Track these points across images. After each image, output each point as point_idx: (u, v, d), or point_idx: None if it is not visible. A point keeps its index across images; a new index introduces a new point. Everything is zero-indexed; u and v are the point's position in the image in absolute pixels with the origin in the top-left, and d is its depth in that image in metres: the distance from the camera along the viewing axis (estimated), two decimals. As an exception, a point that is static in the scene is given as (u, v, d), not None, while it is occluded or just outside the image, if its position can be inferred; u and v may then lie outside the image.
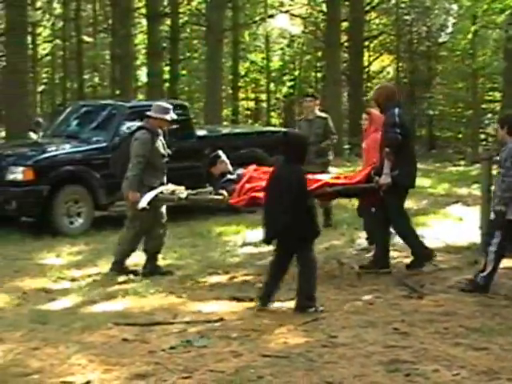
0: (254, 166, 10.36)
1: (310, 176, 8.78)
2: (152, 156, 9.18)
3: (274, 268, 7.88)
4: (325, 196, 9.78)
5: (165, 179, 9.44)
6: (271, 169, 9.70)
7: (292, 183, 7.48)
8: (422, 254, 9.41)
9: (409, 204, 14.87)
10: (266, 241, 7.83)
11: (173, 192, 9.43)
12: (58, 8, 41.65)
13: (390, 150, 8.94)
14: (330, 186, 9.35)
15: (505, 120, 8.34)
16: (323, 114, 12.74)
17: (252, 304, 7.94)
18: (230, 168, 10.62)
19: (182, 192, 9.48)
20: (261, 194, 9.34)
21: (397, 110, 9.18)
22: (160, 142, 9.38)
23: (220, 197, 9.64)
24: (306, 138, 8.17)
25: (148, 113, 9.46)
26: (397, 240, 9.84)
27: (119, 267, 9.38)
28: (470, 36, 29.69)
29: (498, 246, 8.07)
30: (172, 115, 9.54)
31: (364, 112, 10.98)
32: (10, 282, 9.03)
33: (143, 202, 9.01)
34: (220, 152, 10.79)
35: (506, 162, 7.94)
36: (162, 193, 9.26)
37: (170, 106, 9.61)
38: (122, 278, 9.09)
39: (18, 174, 11.93)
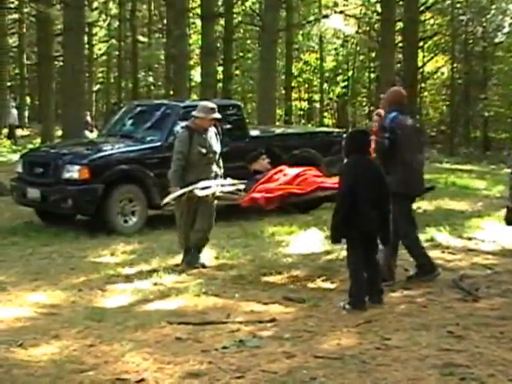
0: (282, 167, 10.41)
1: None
2: (189, 153, 9.59)
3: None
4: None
5: (206, 175, 9.72)
6: (296, 170, 9.82)
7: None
8: (425, 265, 8.88)
9: (463, 206, 14.85)
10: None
11: (203, 188, 9.60)
12: (113, 8, 42.14)
13: (377, 154, 8.73)
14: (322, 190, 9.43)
15: None
16: None
17: (304, 305, 7.93)
18: (268, 167, 10.65)
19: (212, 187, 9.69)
20: (259, 195, 9.42)
21: (393, 115, 8.87)
22: (201, 140, 9.63)
23: (235, 196, 9.75)
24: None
25: (193, 112, 9.84)
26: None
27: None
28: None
29: None
30: (215, 115, 9.77)
31: (375, 114, 11.03)
32: (66, 279, 9.14)
33: (167, 199, 9.79)
34: (263, 150, 10.75)
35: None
36: (191, 191, 9.51)
37: (214, 106, 9.85)
38: (176, 277, 9.14)
39: (74, 172, 12.07)
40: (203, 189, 9.56)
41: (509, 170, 9.01)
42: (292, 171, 10.57)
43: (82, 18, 22.32)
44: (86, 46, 31.99)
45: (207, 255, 10.29)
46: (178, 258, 10.18)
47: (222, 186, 9.77)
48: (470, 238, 11.47)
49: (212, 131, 9.88)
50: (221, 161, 10.14)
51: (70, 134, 20.41)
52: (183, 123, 13.16)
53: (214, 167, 9.92)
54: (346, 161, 8.06)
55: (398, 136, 8.57)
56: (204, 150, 9.67)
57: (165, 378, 5.73)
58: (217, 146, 9.92)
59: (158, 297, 8.32)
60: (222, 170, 10.13)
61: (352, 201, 7.66)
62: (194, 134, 9.65)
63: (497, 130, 40.70)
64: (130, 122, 14.44)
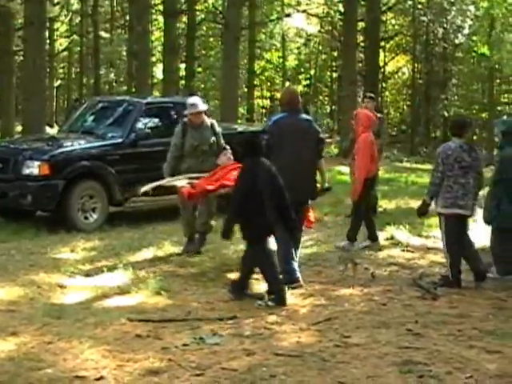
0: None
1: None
2: (184, 146, 10.39)
3: None
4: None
5: (199, 165, 10.28)
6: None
7: None
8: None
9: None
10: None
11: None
12: (75, 3, 41.80)
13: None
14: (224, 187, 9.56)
15: (449, 123, 9.18)
16: (379, 115, 13.19)
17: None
18: (231, 162, 10.66)
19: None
20: (185, 189, 9.63)
21: (277, 116, 9.01)
22: (195, 134, 10.39)
23: (180, 183, 9.88)
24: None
25: (186, 111, 10.68)
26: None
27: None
28: (486, 38, 29.62)
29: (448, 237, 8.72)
30: (195, 109, 10.44)
31: (354, 113, 11.32)
32: (25, 275, 9.05)
33: (145, 187, 10.49)
34: (228, 146, 10.78)
35: (438, 159, 8.67)
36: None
37: (194, 102, 10.58)
38: (136, 275, 9.11)
39: (33, 168, 11.95)
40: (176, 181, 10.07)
41: None
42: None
43: (44, 12, 22.12)
44: (47, 41, 31.69)
45: (167, 253, 10.30)
46: (139, 255, 10.17)
47: (191, 178, 9.89)
48: (429, 237, 11.58)
49: (207, 126, 10.54)
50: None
51: (31, 129, 20.22)
52: (145, 120, 13.28)
53: (211, 158, 10.40)
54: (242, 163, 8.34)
55: (274, 137, 8.55)
56: (196, 143, 10.34)
57: (124, 376, 5.71)
58: (210, 140, 10.49)
59: (118, 294, 8.27)
60: None
61: (245, 201, 7.88)
62: (189, 129, 10.42)
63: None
64: (92, 118, 14.34)
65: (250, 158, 8.13)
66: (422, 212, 9.00)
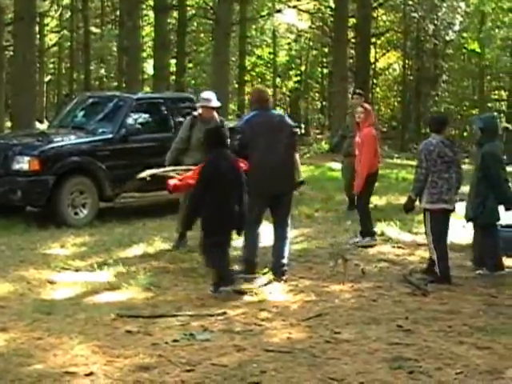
0: None
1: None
2: (190, 139, 10.37)
3: None
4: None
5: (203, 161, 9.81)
6: None
7: None
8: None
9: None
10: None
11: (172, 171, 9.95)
12: (65, -2, 41.66)
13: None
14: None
15: (428, 119, 8.86)
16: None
17: (255, 298, 7.95)
18: None
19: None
20: (172, 181, 9.41)
21: (248, 115, 9.25)
22: (203, 128, 9.66)
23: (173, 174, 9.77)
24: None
25: (198, 104, 10.69)
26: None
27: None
28: (477, 34, 29.66)
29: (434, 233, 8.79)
30: (205, 103, 10.41)
31: (360, 106, 11.31)
32: (15, 271, 9.02)
33: (143, 174, 10.18)
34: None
35: (421, 155, 8.79)
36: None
37: (207, 97, 10.47)
38: (126, 270, 9.09)
39: (23, 163, 11.91)
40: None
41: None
42: None
43: (34, 7, 22.03)
44: (38, 36, 31.53)
45: (157, 249, 10.29)
46: (129, 251, 10.15)
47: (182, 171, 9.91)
48: (419, 233, 11.57)
49: (216, 122, 10.28)
50: None
51: (21, 124, 20.14)
52: (135, 115, 13.26)
53: None
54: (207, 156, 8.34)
55: (246, 136, 8.78)
56: (202, 137, 9.70)
57: (114, 372, 5.70)
58: None
59: (108, 290, 8.26)
60: None
61: (205, 193, 8.00)
62: (198, 122, 10.36)
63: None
64: (82, 113, 14.32)
65: (214, 150, 8.24)
66: (409, 208, 9.10)
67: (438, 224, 8.76)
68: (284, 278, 8.70)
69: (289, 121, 9.18)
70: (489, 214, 8.98)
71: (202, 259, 8.48)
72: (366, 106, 11.35)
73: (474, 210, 9.07)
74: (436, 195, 8.69)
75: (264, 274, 8.84)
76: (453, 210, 8.94)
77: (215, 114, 10.59)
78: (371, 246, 10.69)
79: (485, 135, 9.12)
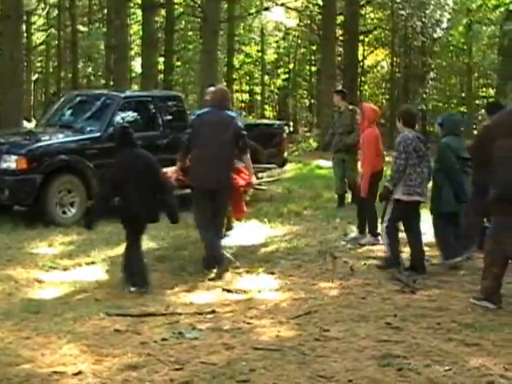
0: None
1: None
2: None
3: None
4: None
5: None
6: None
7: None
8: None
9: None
10: None
11: None
12: (53, -3, 41.52)
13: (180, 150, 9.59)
14: None
15: (400, 114, 9.43)
16: (350, 107, 13.75)
17: (244, 296, 7.94)
18: None
19: None
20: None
21: (201, 111, 9.66)
22: None
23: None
24: None
25: (207, 98, 11.05)
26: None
27: None
28: (464, 31, 29.71)
29: (390, 221, 9.20)
30: None
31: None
32: (2, 270, 8.99)
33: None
34: None
35: (399, 147, 9.02)
36: None
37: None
38: (115, 269, 9.07)
39: (11, 162, 11.86)
40: None
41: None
42: None
43: (21, 5, 21.93)
44: (25, 34, 31.44)
45: (146, 247, 10.26)
46: (118, 250, 10.11)
47: None
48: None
49: None
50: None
51: (8, 123, 20.05)
52: (123, 114, 13.24)
53: None
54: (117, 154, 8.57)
55: (193, 131, 9.31)
56: None
57: (103, 371, 5.68)
58: None
59: (96, 288, 8.25)
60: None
61: (114, 190, 8.33)
62: None
63: (435, 124, 41.23)
64: (70, 112, 14.28)
65: (123, 149, 8.48)
66: (385, 197, 9.32)
67: (407, 215, 9.21)
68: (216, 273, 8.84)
69: (237, 124, 9.32)
70: (443, 203, 9.34)
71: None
72: (365, 105, 11.20)
73: (431, 199, 9.50)
74: (412, 188, 9.01)
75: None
76: (424, 202, 9.36)
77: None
78: (364, 245, 10.69)
79: (443, 131, 9.64)
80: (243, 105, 47.71)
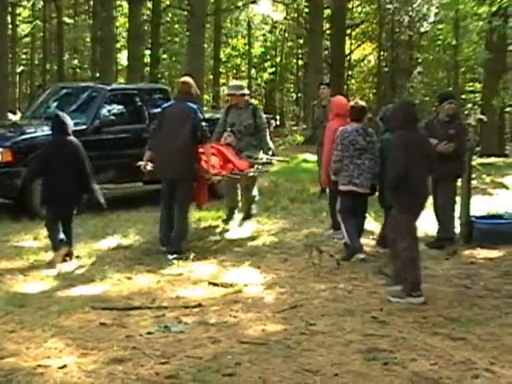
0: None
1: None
2: (226, 125, 11.42)
3: None
4: None
5: (237, 146, 11.28)
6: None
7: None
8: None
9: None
10: None
11: None
12: (38, -12, 41.28)
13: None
14: None
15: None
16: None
17: (230, 290, 7.93)
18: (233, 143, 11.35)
19: None
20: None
21: (166, 104, 10.33)
22: (235, 115, 11.42)
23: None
24: None
25: (227, 92, 12.05)
26: None
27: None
28: (452, 26, 29.71)
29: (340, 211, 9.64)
30: (232, 91, 11.63)
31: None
32: (-13, 263, 8.96)
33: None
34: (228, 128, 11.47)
35: (337, 139, 9.52)
36: None
37: (235, 84, 12.55)
38: (100, 262, 9.04)
39: (-4, 155, 11.81)
40: None
41: None
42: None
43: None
44: (10, 26, 31.30)
45: (131, 240, 10.26)
46: (103, 243, 10.11)
47: None
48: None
49: (247, 109, 11.43)
50: (267, 137, 11.55)
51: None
52: (109, 106, 13.19)
53: (247, 138, 11.36)
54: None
55: (158, 122, 10.02)
56: (232, 121, 11.38)
57: (88, 364, 5.65)
58: (247, 122, 11.33)
59: (81, 282, 8.22)
60: (270, 144, 11.62)
61: (38, 172, 9.37)
62: (232, 110, 11.53)
63: (421, 118, 41.32)
64: (55, 104, 14.18)
65: (55, 136, 9.41)
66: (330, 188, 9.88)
67: (347, 204, 9.56)
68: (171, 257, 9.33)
69: (196, 115, 9.70)
70: (384, 197, 9.35)
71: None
72: (334, 99, 11.13)
73: (378, 193, 9.80)
74: (347, 178, 9.47)
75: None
76: (366, 194, 9.71)
77: (249, 100, 11.75)
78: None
79: (384, 125, 9.84)
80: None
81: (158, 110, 13.38)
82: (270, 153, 11.60)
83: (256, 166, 11.30)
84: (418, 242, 7.95)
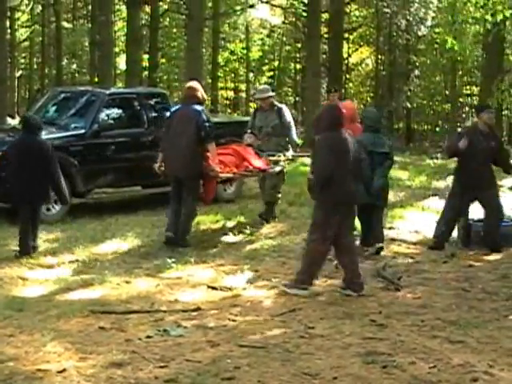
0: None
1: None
2: (254, 126, 11.79)
3: None
4: None
5: (265, 144, 11.67)
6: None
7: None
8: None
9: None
10: None
11: None
12: (37, -7, 41.29)
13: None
14: None
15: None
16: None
17: (229, 293, 7.94)
18: (256, 142, 11.76)
19: None
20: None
21: (174, 108, 11.04)
22: (261, 117, 11.74)
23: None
24: None
25: (255, 96, 13.00)
26: None
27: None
28: (448, 30, 29.75)
29: None
30: (258, 95, 12.15)
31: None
32: (-14, 268, 8.96)
33: None
34: (247, 130, 11.96)
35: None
36: None
37: (263, 88, 12.57)
38: (99, 266, 9.05)
39: (-6, 159, 11.79)
40: None
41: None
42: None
43: (4, 1, 21.88)
44: (8, 30, 31.29)
45: (130, 244, 10.27)
46: (102, 247, 10.12)
47: None
48: (392, 228, 11.62)
49: (274, 110, 11.68)
50: (292, 134, 11.75)
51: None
52: (108, 111, 13.19)
53: (274, 139, 11.63)
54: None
55: (166, 124, 10.65)
56: (260, 124, 11.70)
57: (87, 368, 5.66)
58: (274, 123, 11.55)
59: (80, 286, 8.23)
60: (295, 141, 12.09)
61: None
62: (259, 112, 11.94)
63: (419, 122, 41.33)
64: (54, 108, 14.17)
65: (24, 135, 9.94)
66: (308, 188, 9.65)
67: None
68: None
69: (200, 116, 10.30)
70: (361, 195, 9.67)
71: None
72: (344, 102, 11.75)
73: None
74: None
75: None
76: None
77: (275, 103, 11.92)
78: None
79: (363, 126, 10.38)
80: (228, 102, 47.69)
81: (156, 114, 13.55)
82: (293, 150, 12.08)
83: (271, 166, 11.57)
84: (329, 240, 8.03)
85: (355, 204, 8.44)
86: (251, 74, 44.69)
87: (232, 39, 43.03)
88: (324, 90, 34.06)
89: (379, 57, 40.53)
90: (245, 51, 43.18)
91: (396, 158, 10.53)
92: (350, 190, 8.03)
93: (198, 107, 10.44)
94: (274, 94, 12.36)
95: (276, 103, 11.98)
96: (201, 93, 10.69)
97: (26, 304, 7.45)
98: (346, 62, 39.43)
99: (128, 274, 8.72)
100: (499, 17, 16.98)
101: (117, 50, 36.54)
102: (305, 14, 32.98)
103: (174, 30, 40.05)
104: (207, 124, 10.33)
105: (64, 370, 5.60)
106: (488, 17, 17.30)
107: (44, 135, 12.50)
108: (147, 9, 33.68)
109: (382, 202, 10.22)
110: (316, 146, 8.25)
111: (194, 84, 10.86)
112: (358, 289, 7.94)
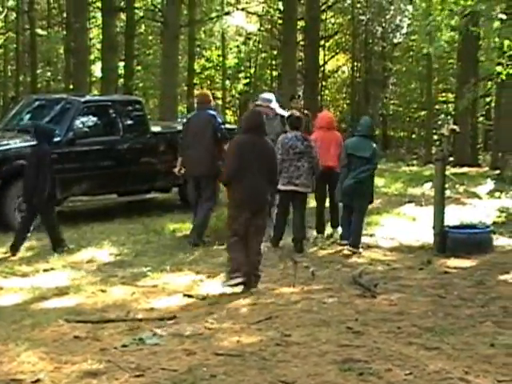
0: None
1: None
2: None
3: None
4: None
5: None
6: None
7: None
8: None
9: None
10: None
11: None
12: (11, 0, 41.09)
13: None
14: None
15: (287, 118, 11.13)
16: (306, 111, 14.20)
17: (205, 302, 7.91)
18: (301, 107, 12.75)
19: None
20: None
21: (190, 115, 12.28)
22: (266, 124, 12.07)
23: None
24: None
25: (256, 102, 12.77)
26: None
27: None
28: (423, 37, 29.91)
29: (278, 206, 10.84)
30: (265, 104, 12.29)
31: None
32: (-41, 277, 8.88)
33: None
34: (297, 95, 13.13)
35: (278, 145, 10.53)
36: None
37: (267, 97, 12.63)
38: (74, 275, 8.99)
39: (-32, 167, 11.73)
40: None
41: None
42: None
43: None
44: (-17, 38, 31.10)
45: (106, 252, 10.21)
46: (78, 255, 10.06)
47: None
48: (369, 235, 11.64)
49: (277, 118, 12.26)
50: None
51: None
52: (83, 118, 13.14)
53: None
54: None
55: (183, 131, 11.60)
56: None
57: (61, 378, 5.61)
58: (276, 129, 11.81)
59: (55, 295, 8.17)
60: None
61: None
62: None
63: (395, 129, 41.51)
64: (29, 116, 14.11)
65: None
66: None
67: (283, 202, 10.79)
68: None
69: (215, 119, 11.30)
70: (344, 191, 10.71)
71: None
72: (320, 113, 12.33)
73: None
74: (286, 179, 10.51)
75: None
76: (306, 192, 10.82)
77: (278, 110, 12.43)
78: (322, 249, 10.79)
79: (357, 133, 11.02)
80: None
81: (132, 121, 13.58)
82: None
83: None
84: (241, 233, 8.36)
85: (258, 203, 8.51)
86: (227, 82, 44.68)
87: (208, 46, 43.01)
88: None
89: (355, 64, 40.67)
90: (221, 58, 43.14)
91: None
92: (253, 190, 8.35)
93: (212, 111, 11.45)
94: (275, 107, 12.55)
95: (280, 111, 12.44)
96: (211, 99, 11.69)
97: (0, 313, 7.39)
98: (322, 69, 39.52)
99: (103, 282, 8.67)
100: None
101: (92, 57, 36.45)
102: (280, 21, 33.05)
103: (150, 38, 40.01)
104: (222, 126, 11.38)
105: (38, 380, 5.55)
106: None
107: (18, 143, 12.53)
108: (123, 16, 33.58)
109: (359, 203, 10.72)
110: (227, 148, 9.11)
111: (207, 91, 12.16)
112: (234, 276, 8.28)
